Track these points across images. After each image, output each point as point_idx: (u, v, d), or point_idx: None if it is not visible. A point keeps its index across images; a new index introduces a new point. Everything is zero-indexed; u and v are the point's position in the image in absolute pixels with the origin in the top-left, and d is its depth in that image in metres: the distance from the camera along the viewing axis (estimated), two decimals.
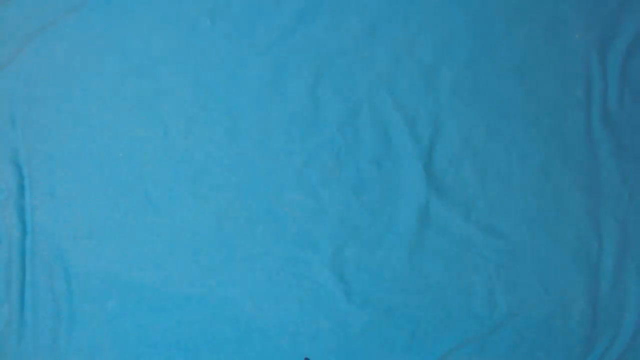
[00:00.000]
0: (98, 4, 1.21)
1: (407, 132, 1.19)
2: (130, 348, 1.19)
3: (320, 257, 1.18)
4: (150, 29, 1.21)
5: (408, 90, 1.20)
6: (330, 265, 1.18)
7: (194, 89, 1.21)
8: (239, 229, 1.19)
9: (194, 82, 1.21)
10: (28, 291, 1.19)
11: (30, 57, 1.21)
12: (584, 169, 1.18)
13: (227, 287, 1.19)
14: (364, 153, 1.19)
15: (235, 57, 1.21)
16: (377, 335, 1.18)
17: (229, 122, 1.20)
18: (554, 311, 1.16)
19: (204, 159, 1.20)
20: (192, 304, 1.19)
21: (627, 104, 1.18)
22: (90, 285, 1.19)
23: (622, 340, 1.16)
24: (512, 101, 1.19)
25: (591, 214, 1.17)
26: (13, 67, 1.21)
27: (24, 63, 1.21)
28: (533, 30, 1.19)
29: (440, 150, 1.19)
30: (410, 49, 1.20)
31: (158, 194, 1.20)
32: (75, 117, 1.20)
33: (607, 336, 1.16)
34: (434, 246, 1.18)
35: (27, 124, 1.20)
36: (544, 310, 1.16)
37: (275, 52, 1.20)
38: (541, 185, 1.18)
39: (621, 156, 1.18)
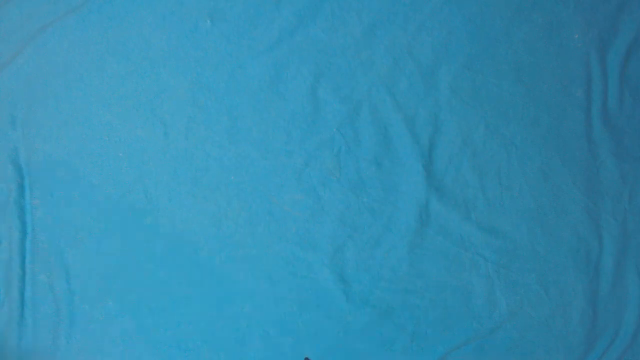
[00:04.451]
0: (98, 4, 1.21)
1: (407, 132, 1.19)
2: (130, 348, 1.19)
3: (320, 257, 1.19)
4: (150, 29, 1.21)
5: (408, 90, 1.20)
6: (330, 265, 1.18)
7: (194, 89, 1.21)
8: (239, 229, 1.19)
9: (194, 82, 1.21)
10: (28, 291, 1.19)
11: (30, 57, 1.21)
12: (583, 169, 1.18)
13: (227, 287, 1.19)
14: (364, 153, 1.20)
15: (235, 57, 1.21)
16: (377, 335, 1.18)
17: (229, 122, 1.20)
18: (554, 311, 1.16)
19: (204, 159, 1.20)
20: (192, 304, 1.19)
21: (627, 104, 1.19)
22: (90, 285, 1.19)
23: (622, 340, 1.16)
24: (511, 101, 1.19)
25: (591, 214, 1.18)
26: (13, 67, 1.21)
27: (24, 63, 1.21)
28: (532, 31, 1.19)
29: (440, 150, 1.19)
30: (409, 50, 1.20)
31: (158, 194, 1.20)
32: (75, 117, 1.20)
33: (607, 336, 1.16)
34: (434, 246, 1.19)
35: (27, 124, 1.20)
36: (544, 310, 1.16)
37: (275, 52, 1.21)
38: (541, 185, 1.18)
39: (621, 156, 1.18)
